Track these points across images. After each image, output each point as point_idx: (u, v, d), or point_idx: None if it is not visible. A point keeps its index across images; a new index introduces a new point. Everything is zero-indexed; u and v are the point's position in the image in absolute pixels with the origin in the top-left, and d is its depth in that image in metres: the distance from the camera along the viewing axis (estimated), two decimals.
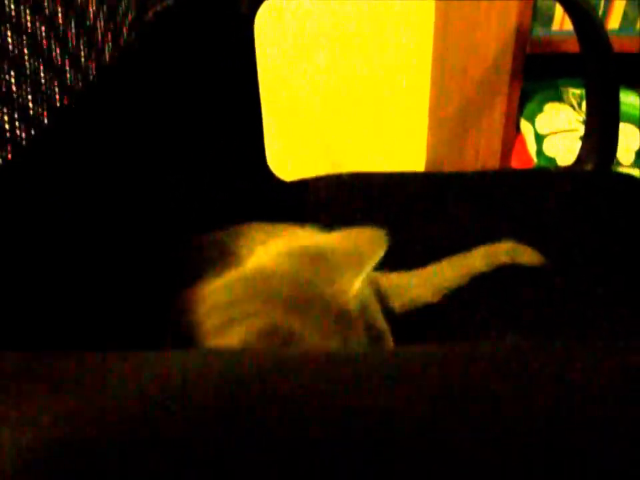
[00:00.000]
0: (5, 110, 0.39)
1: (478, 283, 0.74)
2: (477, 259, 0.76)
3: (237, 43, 0.87)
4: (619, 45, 1.13)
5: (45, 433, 0.18)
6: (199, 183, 0.78)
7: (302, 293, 0.49)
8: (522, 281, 0.75)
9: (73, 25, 0.50)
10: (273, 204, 0.93)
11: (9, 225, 0.36)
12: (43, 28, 0.45)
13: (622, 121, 1.22)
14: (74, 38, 0.50)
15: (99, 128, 0.52)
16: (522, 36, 1.14)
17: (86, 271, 0.46)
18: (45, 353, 0.22)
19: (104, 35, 0.56)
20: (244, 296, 0.50)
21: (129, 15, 0.61)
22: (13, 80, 0.41)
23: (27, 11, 0.43)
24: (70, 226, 0.44)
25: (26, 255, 0.38)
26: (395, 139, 1.89)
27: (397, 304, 0.70)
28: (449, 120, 1.65)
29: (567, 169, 1.07)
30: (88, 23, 0.52)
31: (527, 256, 0.77)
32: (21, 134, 0.40)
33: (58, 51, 0.47)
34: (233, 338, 0.45)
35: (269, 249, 0.57)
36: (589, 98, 1.04)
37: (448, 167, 1.70)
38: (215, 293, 0.51)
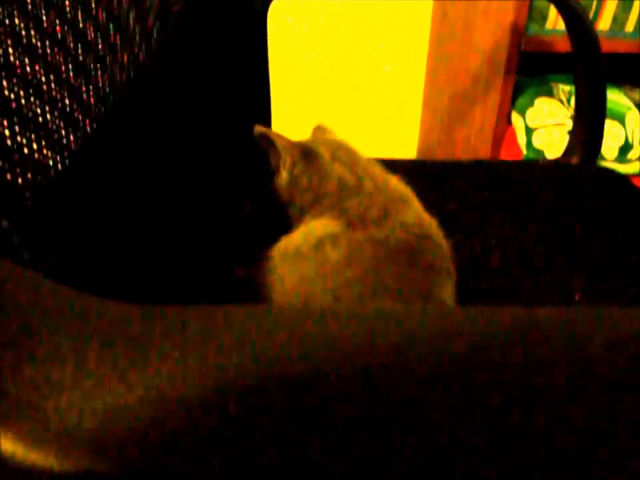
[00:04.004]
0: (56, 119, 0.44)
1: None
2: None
3: (250, 38, 0.92)
4: (609, 45, 1.19)
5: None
6: (208, 166, 0.83)
7: None
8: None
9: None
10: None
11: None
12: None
13: (607, 118, 1.29)
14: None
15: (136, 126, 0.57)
16: (517, 33, 1.20)
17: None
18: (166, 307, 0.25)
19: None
20: None
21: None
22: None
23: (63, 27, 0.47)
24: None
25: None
26: (389, 126, 1.94)
27: None
28: (443, 110, 1.70)
29: (554, 162, 1.13)
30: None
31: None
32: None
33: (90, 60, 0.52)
34: None
35: None
36: (578, 95, 1.09)
37: (439, 155, 1.76)
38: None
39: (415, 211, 0.63)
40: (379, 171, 0.68)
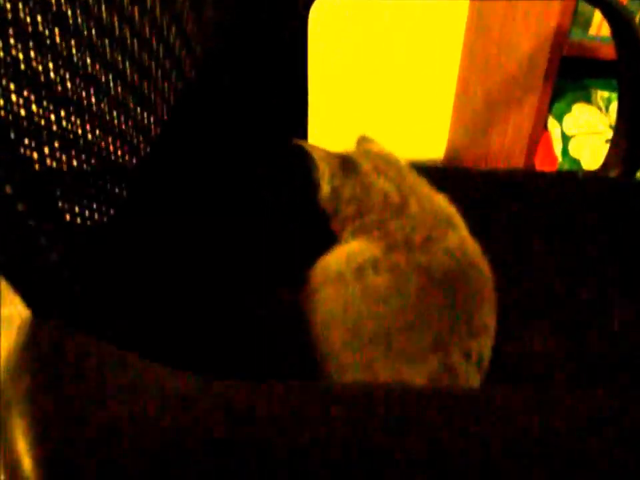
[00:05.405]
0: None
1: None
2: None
3: (292, 41, 0.90)
4: None
5: None
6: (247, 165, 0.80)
7: None
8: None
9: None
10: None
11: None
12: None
13: None
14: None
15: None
16: (560, 37, 1.15)
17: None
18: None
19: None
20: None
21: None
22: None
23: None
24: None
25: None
26: (417, 125, 1.90)
27: None
28: (475, 111, 1.66)
29: (593, 175, 1.08)
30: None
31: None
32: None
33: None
34: None
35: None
36: (621, 104, 1.05)
37: (470, 158, 1.72)
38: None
39: (459, 235, 0.61)
40: (425, 188, 0.66)
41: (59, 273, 0.28)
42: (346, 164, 0.64)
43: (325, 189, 0.65)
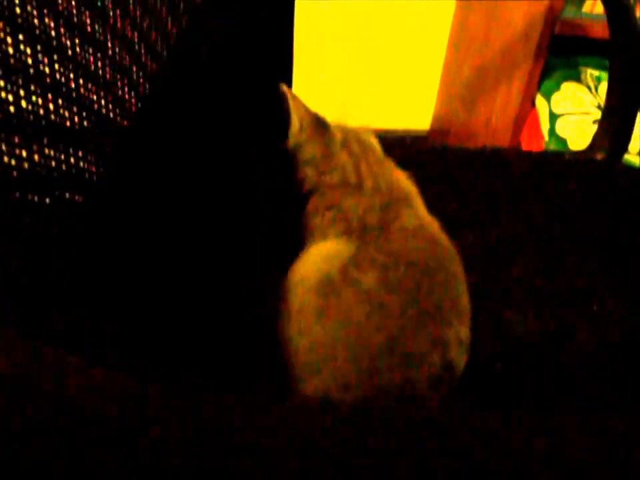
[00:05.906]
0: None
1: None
2: None
3: (279, 6, 0.87)
4: None
5: None
6: (229, 138, 0.78)
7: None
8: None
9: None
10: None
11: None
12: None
13: None
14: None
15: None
16: (553, 14, 1.13)
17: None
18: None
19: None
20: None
21: None
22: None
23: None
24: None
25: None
26: (403, 95, 1.87)
27: None
28: (463, 85, 1.63)
29: (580, 156, 1.07)
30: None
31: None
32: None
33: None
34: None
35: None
36: (611, 84, 1.04)
37: (456, 132, 1.70)
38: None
39: (415, 212, 0.58)
40: (386, 168, 0.63)
41: (19, 279, 0.27)
42: (319, 124, 0.63)
43: (291, 141, 0.63)
